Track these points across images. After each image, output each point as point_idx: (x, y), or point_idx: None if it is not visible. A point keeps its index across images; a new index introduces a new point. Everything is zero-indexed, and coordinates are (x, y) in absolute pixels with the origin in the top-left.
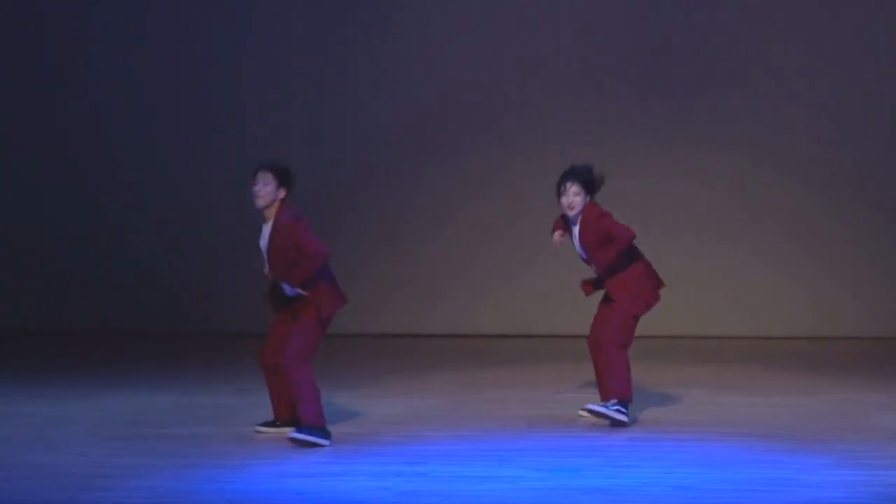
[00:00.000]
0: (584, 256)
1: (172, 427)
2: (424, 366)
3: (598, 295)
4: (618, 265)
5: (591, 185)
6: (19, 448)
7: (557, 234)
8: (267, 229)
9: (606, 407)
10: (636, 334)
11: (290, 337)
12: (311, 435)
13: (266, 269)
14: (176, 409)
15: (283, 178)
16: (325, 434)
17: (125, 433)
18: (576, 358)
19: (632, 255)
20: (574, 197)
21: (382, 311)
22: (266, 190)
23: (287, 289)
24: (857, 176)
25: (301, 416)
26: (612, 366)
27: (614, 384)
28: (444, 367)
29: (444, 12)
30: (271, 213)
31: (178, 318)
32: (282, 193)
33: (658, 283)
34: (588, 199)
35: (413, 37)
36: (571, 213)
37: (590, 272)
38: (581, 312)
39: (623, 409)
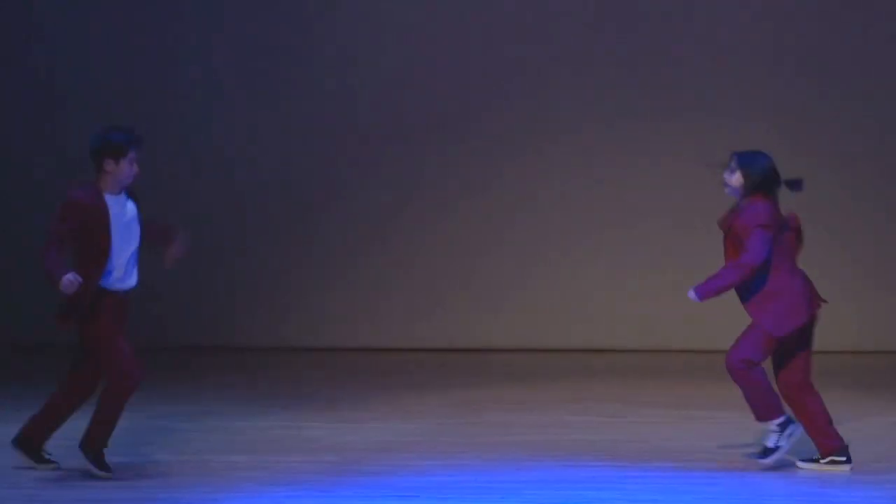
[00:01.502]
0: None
1: (122, 454)
2: (415, 384)
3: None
4: None
5: None
6: None
7: None
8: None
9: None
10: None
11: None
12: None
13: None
14: (128, 433)
15: (96, 156)
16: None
17: (69, 461)
18: (584, 374)
19: None
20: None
21: (368, 322)
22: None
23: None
24: (847, 182)
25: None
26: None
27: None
28: (438, 385)
29: (440, 14)
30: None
31: (133, 330)
32: (108, 166)
33: None
34: None
35: (410, 46)
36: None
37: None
38: (589, 324)
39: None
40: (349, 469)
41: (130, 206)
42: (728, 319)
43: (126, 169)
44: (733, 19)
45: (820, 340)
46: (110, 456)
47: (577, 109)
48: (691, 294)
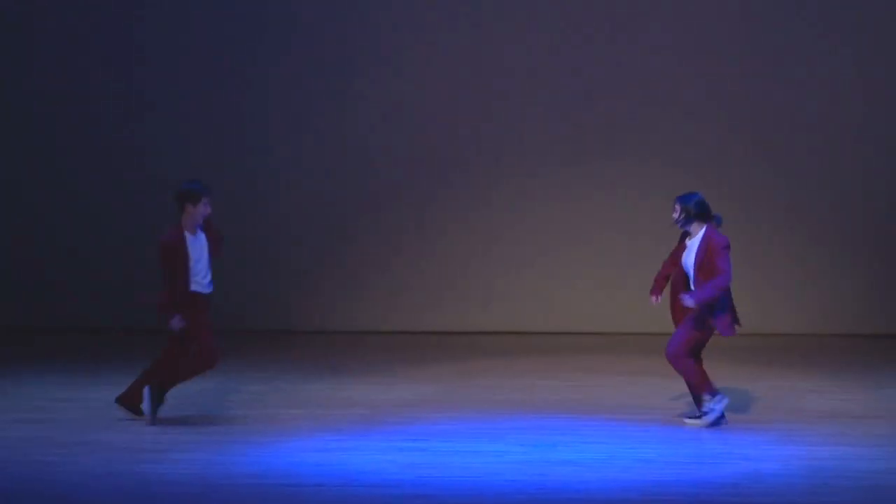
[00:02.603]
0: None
1: (211, 410)
2: (426, 358)
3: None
4: None
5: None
6: (83, 428)
7: None
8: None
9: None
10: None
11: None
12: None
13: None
14: (213, 394)
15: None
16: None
17: (171, 415)
18: (553, 350)
19: None
20: None
21: (391, 312)
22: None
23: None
24: (773, 178)
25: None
26: None
27: None
28: (443, 359)
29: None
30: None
31: (215, 318)
32: (187, 209)
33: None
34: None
35: (421, 71)
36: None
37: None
38: (556, 312)
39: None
40: (377, 420)
41: (203, 238)
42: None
43: (201, 210)
44: (677, 81)
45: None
46: (200, 412)
47: (548, 151)
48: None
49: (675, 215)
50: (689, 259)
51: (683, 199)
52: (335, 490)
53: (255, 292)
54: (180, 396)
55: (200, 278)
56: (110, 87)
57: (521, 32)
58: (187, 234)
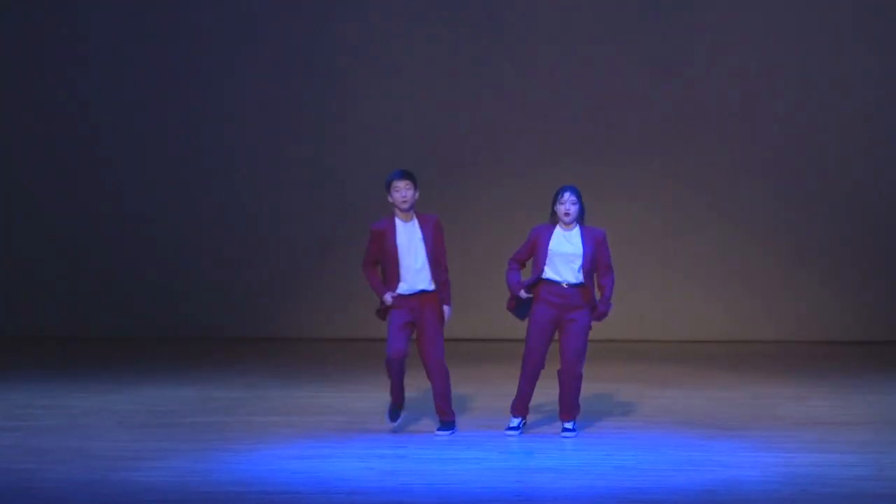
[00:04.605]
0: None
1: (190, 416)
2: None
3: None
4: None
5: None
6: (59, 435)
7: None
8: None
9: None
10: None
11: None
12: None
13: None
14: (193, 401)
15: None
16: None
17: (150, 422)
18: None
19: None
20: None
21: (369, 319)
22: (410, 194)
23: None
24: (751, 187)
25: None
26: None
27: None
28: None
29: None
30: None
31: (195, 324)
32: (388, 198)
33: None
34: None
35: (396, 101)
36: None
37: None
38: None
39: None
40: (355, 427)
41: (417, 230)
42: (630, 314)
43: (395, 196)
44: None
45: (697, 331)
46: (179, 419)
47: (533, 155)
48: (602, 311)
49: (575, 208)
50: (573, 248)
51: (578, 192)
52: (314, 497)
53: (235, 300)
54: (157, 403)
55: (407, 281)
56: (99, 91)
57: (501, 40)
58: (398, 222)
